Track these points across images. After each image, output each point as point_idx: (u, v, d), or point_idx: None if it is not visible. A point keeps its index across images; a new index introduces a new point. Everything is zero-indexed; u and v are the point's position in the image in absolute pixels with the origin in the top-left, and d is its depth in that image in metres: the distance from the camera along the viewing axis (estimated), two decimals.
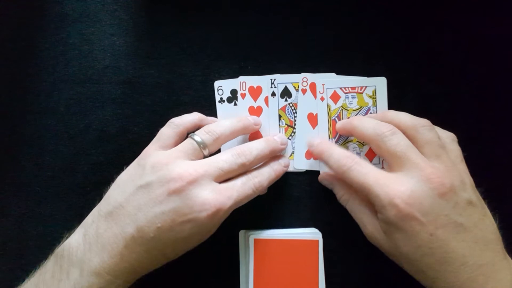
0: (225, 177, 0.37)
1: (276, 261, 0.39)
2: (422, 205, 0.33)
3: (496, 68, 0.43)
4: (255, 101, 0.43)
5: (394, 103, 0.43)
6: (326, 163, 0.39)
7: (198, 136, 0.38)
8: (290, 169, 0.43)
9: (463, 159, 0.37)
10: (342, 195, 0.40)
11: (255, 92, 0.43)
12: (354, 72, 0.43)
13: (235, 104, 0.43)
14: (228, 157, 0.37)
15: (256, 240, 0.40)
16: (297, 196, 0.43)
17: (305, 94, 0.43)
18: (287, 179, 0.43)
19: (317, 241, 0.40)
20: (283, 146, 0.41)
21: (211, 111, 0.43)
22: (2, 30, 0.44)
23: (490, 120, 0.43)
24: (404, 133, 0.36)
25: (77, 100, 0.44)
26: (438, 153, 0.35)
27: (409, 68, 0.43)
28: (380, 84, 0.42)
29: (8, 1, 0.44)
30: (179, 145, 0.38)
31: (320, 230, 0.41)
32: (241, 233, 0.42)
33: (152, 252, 0.35)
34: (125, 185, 0.36)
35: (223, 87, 0.43)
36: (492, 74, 0.43)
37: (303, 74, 0.43)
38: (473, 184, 0.36)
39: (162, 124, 0.40)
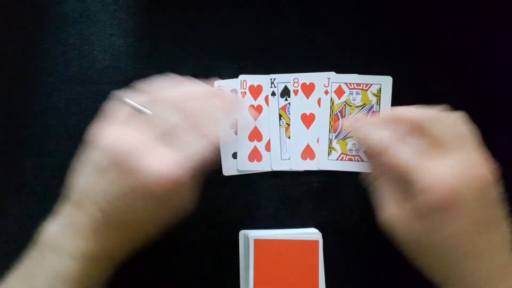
0: (174, 136, 0.35)
1: (276, 261, 0.39)
2: (463, 196, 0.32)
3: (496, 68, 0.43)
4: (255, 100, 0.43)
5: (394, 103, 0.43)
6: (362, 140, 0.38)
7: (138, 101, 0.36)
8: (288, 169, 0.43)
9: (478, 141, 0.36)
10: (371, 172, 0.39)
11: (256, 91, 0.43)
12: (354, 72, 0.43)
13: None
14: (172, 115, 0.35)
15: (256, 240, 0.40)
16: (297, 196, 0.43)
17: (297, 95, 0.43)
18: (287, 179, 0.43)
19: (317, 241, 0.39)
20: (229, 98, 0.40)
21: None
22: (2, 30, 0.44)
23: (490, 120, 0.43)
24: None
25: (77, 100, 0.44)
26: (475, 145, 0.35)
27: (409, 68, 0.43)
28: (385, 82, 0.42)
29: (8, 1, 0.44)
30: (123, 116, 0.36)
31: (320, 230, 0.41)
32: (241, 233, 0.42)
33: (122, 234, 0.35)
34: (84, 170, 0.36)
35: (222, 87, 0.43)
36: (492, 74, 0.43)
37: (294, 75, 0.43)
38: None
39: None
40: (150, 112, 0.36)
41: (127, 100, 0.36)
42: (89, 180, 0.35)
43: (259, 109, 0.43)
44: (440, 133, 0.35)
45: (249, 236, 0.40)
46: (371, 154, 0.38)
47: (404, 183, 0.34)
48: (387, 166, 0.36)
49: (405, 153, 0.35)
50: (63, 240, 0.35)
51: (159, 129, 0.35)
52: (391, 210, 0.36)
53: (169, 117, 0.35)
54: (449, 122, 0.35)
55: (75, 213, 0.35)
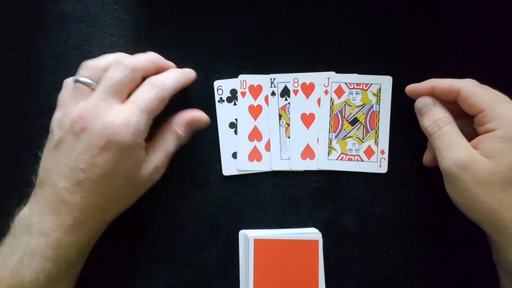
0: (122, 91, 0.37)
1: (276, 261, 0.39)
2: None
3: (497, 68, 0.43)
4: (255, 99, 0.43)
5: (395, 103, 0.43)
6: (434, 88, 0.39)
7: (80, 75, 0.38)
8: (288, 169, 0.43)
9: None
10: (443, 117, 0.38)
11: (255, 91, 0.43)
12: (353, 71, 0.43)
13: (235, 104, 0.43)
14: (112, 71, 0.37)
15: (256, 240, 0.40)
16: (297, 196, 0.43)
17: (297, 95, 0.43)
18: (287, 179, 0.43)
19: (317, 241, 0.39)
20: (192, 73, 0.41)
21: (211, 111, 0.43)
22: (2, 30, 0.44)
23: None
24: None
25: None
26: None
27: (409, 68, 0.43)
28: (385, 82, 0.42)
29: (8, 1, 0.44)
30: (71, 94, 0.38)
31: (320, 230, 0.41)
32: (241, 233, 0.42)
33: (89, 197, 0.35)
34: (45, 153, 0.37)
35: (222, 87, 0.43)
36: (493, 74, 0.43)
37: (294, 75, 0.43)
38: None
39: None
40: (91, 81, 0.37)
41: (73, 78, 0.38)
42: (47, 158, 0.37)
43: (259, 109, 0.43)
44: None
45: (249, 236, 0.40)
46: (446, 94, 0.39)
47: (467, 130, 0.37)
48: (467, 104, 0.37)
49: (482, 92, 0.37)
50: (32, 219, 0.35)
51: (105, 90, 0.36)
52: (466, 151, 0.36)
53: (112, 74, 0.37)
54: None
55: (40, 191, 0.36)
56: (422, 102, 0.40)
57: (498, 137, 0.35)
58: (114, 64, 0.37)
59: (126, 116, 0.35)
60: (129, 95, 0.37)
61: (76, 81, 0.38)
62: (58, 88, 0.43)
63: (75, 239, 0.35)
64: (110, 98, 0.36)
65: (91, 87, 0.37)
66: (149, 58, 0.39)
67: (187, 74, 0.41)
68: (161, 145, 0.39)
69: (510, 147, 0.34)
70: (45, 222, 0.35)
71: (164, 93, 0.37)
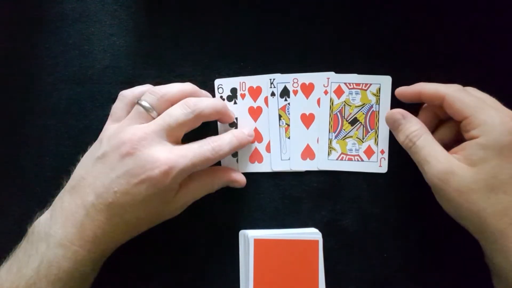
0: (178, 132, 0.37)
1: (276, 261, 0.39)
2: None
3: (497, 68, 0.43)
4: (254, 101, 0.43)
5: (394, 103, 0.43)
6: (420, 93, 0.39)
7: (143, 99, 0.38)
8: (288, 169, 0.43)
9: None
10: (414, 130, 0.38)
11: (255, 92, 0.43)
12: (353, 71, 0.43)
13: (235, 102, 0.43)
14: (177, 110, 0.37)
15: (256, 240, 0.40)
16: (297, 196, 0.43)
17: (297, 95, 0.43)
18: (287, 179, 0.43)
19: (317, 241, 0.39)
20: (250, 138, 0.42)
21: None
22: (2, 30, 0.44)
23: None
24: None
25: (77, 100, 0.44)
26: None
27: (409, 68, 0.43)
28: (385, 82, 0.42)
29: (8, 1, 0.44)
30: (129, 114, 0.39)
31: (320, 230, 0.41)
32: (241, 233, 0.42)
33: (113, 219, 0.35)
34: (86, 160, 0.38)
35: (223, 85, 0.43)
36: (493, 74, 0.43)
37: (294, 75, 0.43)
38: None
39: None
40: (151, 108, 0.38)
41: (132, 94, 0.40)
42: (86, 166, 0.37)
43: (258, 110, 0.43)
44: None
45: (249, 236, 0.40)
46: (431, 100, 0.39)
47: (456, 132, 0.38)
48: (451, 110, 0.37)
49: (467, 98, 0.36)
50: (52, 228, 0.35)
51: (163, 126, 0.37)
52: (442, 163, 0.36)
53: (176, 113, 0.37)
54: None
55: (68, 198, 0.36)
56: (391, 118, 0.40)
57: (480, 145, 0.35)
58: (181, 104, 0.38)
59: (175, 160, 0.36)
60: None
61: (138, 103, 0.38)
62: (58, 88, 0.44)
63: (92, 255, 0.36)
64: (164, 136, 0.36)
65: (150, 114, 0.38)
66: (215, 106, 0.39)
67: (242, 139, 0.40)
68: (193, 192, 0.40)
69: (491, 155, 0.34)
70: (65, 234, 0.35)
71: (215, 156, 0.38)
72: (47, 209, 0.38)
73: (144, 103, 0.38)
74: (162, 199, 0.37)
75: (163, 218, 0.39)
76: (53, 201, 0.38)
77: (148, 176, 0.35)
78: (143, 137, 0.36)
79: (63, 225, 0.35)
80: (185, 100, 0.38)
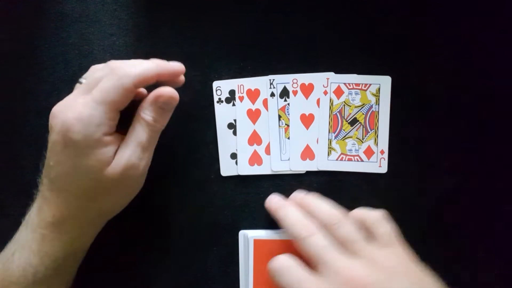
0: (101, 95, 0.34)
1: None
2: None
3: (496, 68, 0.43)
4: (253, 103, 0.43)
5: (395, 103, 0.43)
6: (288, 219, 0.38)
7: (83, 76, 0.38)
8: (288, 170, 0.43)
9: (397, 237, 0.37)
10: None
11: (253, 95, 0.43)
12: (353, 72, 0.43)
13: (233, 104, 0.43)
14: (99, 72, 0.36)
15: (256, 240, 0.40)
16: None
17: (296, 96, 0.43)
18: (286, 180, 0.43)
19: None
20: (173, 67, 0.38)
21: (210, 111, 0.43)
22: (2, 30, 0.44)
23: (490, 120, 0.43)
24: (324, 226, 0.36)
25: None
26: (358, 248, 0.35)
27: (409, 68, 0.43)
28: (384, 82, 0.42)
29: (8, 1, 0.44)
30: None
31: None
32: (241, 233, 0.42)
33: (63, 196, 0.35)
34: None
35: (221, 87, 0.43)
36: (492, 74, 0.43)
37: (293, 75, 0.43)
38: (410, 265, 0.35)
39: None
40: (83, 80, 0.37)
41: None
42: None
43: (257, 112, 0.43)
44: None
45: (249, 236, 0.40)
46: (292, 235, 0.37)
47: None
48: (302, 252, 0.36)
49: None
50: (29, 215, 0.37)
51: (82, 87, 0.36)
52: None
53: (94, 72, 0.36)
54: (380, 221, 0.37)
55: (39, 190, 0.37)
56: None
57: None
58: (104, 66, 0.36)
59: (79, 110, 0.33)
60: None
61: (78, 81, 0.38)
62: (58, 88, 0.44)
63: (57, 235, 0.35)
64: (80, 95, 0.35)
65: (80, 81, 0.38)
66: (146, 67, 0.35)
67: (166, 66, 0.37)
68: (131, 138, 0.35)
69: None
70: (32, 219, 0.36)
71: (124, 81, 0.34)
72: None
73: (81, 79, 0.38)
74: (94, 158, 0.34)
75: (123, 183, 0.36)
76: None
77: (65, 137, 0.33)
78: (61, 105, 0.34)
79: (32, 212, 0.36)
80: (109, 62, 0.36)
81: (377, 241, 0.36)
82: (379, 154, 0.43)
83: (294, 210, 0.38)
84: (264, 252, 0.39)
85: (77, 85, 0.38)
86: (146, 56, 0.43)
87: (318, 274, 0.34)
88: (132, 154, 0.35)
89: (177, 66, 0.38)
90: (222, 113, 0.43)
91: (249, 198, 0.43)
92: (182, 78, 0.39)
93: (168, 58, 0.43)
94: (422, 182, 0.43)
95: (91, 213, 0.37)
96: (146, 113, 0.36)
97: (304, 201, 0.39)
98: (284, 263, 0.35)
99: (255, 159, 0.43)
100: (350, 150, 0.43)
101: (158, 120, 0.36)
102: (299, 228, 0.36)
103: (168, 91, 0.36)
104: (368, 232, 0.36)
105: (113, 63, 0.36)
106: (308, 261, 0.35)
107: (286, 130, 0.43)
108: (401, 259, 0.35)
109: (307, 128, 0.43)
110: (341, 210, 0.38)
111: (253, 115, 0.43)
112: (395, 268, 0.34)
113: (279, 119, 0.43)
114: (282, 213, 0.38)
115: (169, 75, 0.37)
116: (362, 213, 0.38)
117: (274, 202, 0.40)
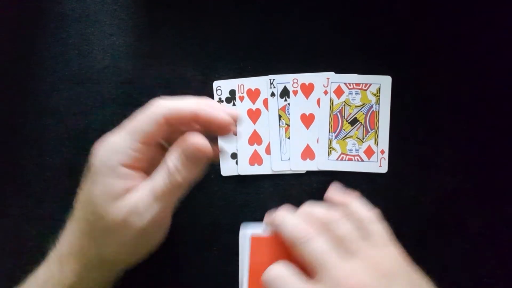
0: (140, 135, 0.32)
1: (273, 259, 0.39)
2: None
3: (496, 68, 0.43)
4: (253, 103, 0.43)
5: (395, 103, 0.43)
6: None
7: None
8: (288, 170, 0.43)
9: (390, 238, 0.35)
10: None
11: (253, 95, 0.43)
12: (353, 72, 0.43)
13: (234, 104, 0.43)
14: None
15: (253, 238, 0.40)
16: (297, 196, 0.43)
17: (297, 95, 0.43)
18: (286, 179, 0.43)
19: None
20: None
21: None
22: (2, 30, 0.44)
23: (490, 120, 0.43)
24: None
25: (77, 100, 0.44)
26: (355, 248, 0.33)
27: (409, 68, 0.43)
28: (384, 82, 0.42)
29: (8, 1, 0.44)
30: None
31: None
32: (242, 230, 0.42)
33: (72, 224, 0.34)
34: None
35: (221, 87, 0.43)
36: (492, 74, 0.43)
37: (294, 75, 0.43)
38: (408, 268, 0.34)
39: None
40: None
41: None
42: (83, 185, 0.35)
43: (257, 112, 0.43)
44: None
45: (247, 233, 0.40)
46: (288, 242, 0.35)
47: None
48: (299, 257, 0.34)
49: (319, 247, 0.33)
50: (56, 246, 0.35)
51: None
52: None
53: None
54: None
55: (71, 215, 0.35)
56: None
57: None
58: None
59: (108, 136, 0.32)
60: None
61: None
62: (58, 88, 0.44)
63: (59, 268, 0.34)
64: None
65: None
66: (186, 104, 0.32)
67: (206, 109, 0.32)
68: (148, 181, 0.32)
69: None
70: (59, 252, 0.35)
71: (155, 111, 0.32)
72: (46, 209, 0.38)
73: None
74: (100, 187, 0.31)
75: (124, 230, 0.32)
76: (52, 201, 0.38)
77: (89, 162, 0.32)
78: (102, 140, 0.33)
79: (59, 243, 0.35)
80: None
81: (373, 241, 0.35)
82: (379, 154, 0.43)
83: (290, 216, 0.37)
84: (262, 249, 0.39)
85: None
86: (146, 56, 0.44)
87: (315, 281, 0.32)
88: (140, 199, 0.31)
89: (222, 115, 0.31)
90: None
91: (249, 198, 0.43)
92: (232, 129, 0.33)
93: (168, 58, 0.44)
94: (422, 182, 0.43)
95: (90, 253, 0.33)
96: (171, 158, 0.31)
97: (302, 208, 0.39)
98: (279, 273, 0.33)
99: (255, 159, 0.43)
100: (351, 150, 0.43)
101: (180, 170, 0.31)
102: (297, 232, 0.34)
103: (193, 139, 0.31)
104: (363, 231, 0.36)
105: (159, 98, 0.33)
106: (305, 267, 0.34)
107: (286, 130, 0.43)
108: (399, 261, 0.34)
109: (308, 128, 0.43)
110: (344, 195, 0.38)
111: (254, 115, 0.43)
112: (394, 271, 0.33)
113: (280, 119, 0.43)
114: (279, 219, 0.36)
115: (207, 120, 0.31)
116: (357, 211, 0.37)
117: (269, 214, 0.40)
